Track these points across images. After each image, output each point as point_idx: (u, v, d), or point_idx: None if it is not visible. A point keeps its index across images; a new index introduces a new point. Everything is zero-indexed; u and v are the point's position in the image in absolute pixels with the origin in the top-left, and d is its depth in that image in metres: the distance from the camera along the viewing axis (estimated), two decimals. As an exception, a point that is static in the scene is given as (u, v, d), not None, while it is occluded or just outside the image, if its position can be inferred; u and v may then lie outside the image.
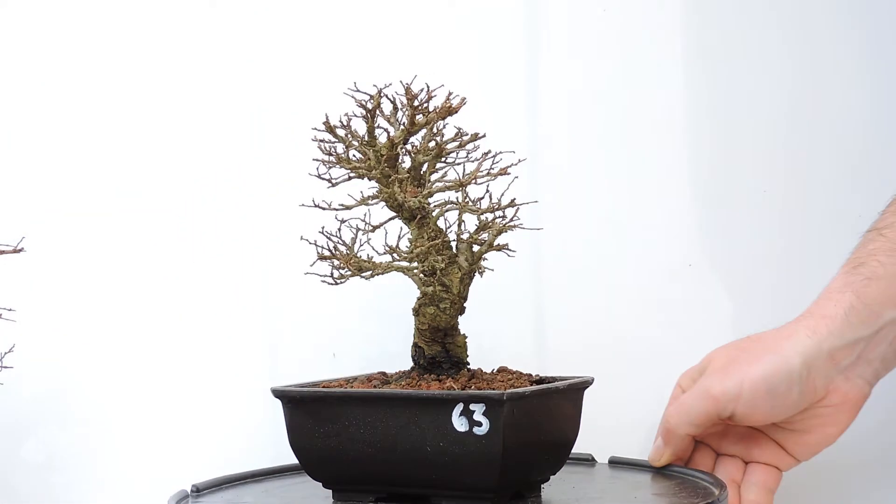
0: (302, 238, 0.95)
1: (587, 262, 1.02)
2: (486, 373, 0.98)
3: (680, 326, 1.21)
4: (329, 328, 1.21)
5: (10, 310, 0.93)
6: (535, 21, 1.25)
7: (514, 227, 0.95)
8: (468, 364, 0.98)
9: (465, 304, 0.97)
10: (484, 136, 0.94)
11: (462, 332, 0.97)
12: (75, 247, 1.18)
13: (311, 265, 0.95)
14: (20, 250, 0.92)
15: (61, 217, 1.18)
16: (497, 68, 1.23)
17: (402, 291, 1.08)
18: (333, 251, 0.96)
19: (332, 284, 0.96)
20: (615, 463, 1.12)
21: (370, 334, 1.21)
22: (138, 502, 1.16)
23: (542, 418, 0.92)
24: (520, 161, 0.94)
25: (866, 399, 1.06)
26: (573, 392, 0.96)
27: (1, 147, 1.19)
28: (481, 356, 1.02)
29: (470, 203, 0.95)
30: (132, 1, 1.21)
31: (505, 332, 1.22)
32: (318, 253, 0.95)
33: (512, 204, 0.94)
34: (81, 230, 1.19)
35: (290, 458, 1.11)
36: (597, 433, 1.08)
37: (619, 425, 1.19)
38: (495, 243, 0.95)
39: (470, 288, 0.97)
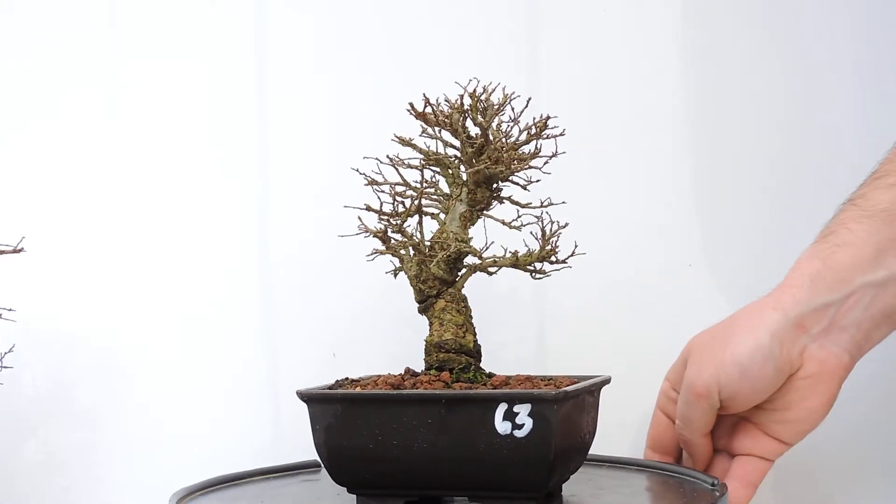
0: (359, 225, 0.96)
1: (587, 261, 1.02)
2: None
3: (680, 326, 1.21)
4: (329, 328, 1.21)
5: (10, 310, 0.93)
6: (535, 21, 1.25)
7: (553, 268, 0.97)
8: (433, 365, 0.97)
9: (421, 302, 0.98)
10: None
11: (429, 335, 0.97)
12: (75, 247, 1.18)
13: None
14: (20, 250, 0.92)
15: (61, 217, 1.18)
16: (497, 67, 1.23)
17: (401, 291, 1.08)
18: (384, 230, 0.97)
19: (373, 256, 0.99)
20: (614, 463, 1.11)
21: (370, 334, 1.21)
22: (138, 502, 1.16)
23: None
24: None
25: (846, 370, 1.03)
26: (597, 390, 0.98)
27: (1, 147, 1.19)
28: (482, 357, 1.02)
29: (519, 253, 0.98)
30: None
31: (505, 332, 1.22)
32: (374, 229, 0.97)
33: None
34: (81, 230, 1.19)
35: (290, 458, 1.11)
36: (596, 433, 1.07)
37: (618, 425, 1.19)
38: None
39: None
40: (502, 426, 0.87)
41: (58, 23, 1.19)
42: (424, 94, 0.95)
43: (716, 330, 1.06)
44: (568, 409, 0.89)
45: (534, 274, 0.97)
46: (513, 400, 0.87)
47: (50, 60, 1.19)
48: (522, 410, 0.86)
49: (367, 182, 0.97)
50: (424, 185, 0.98)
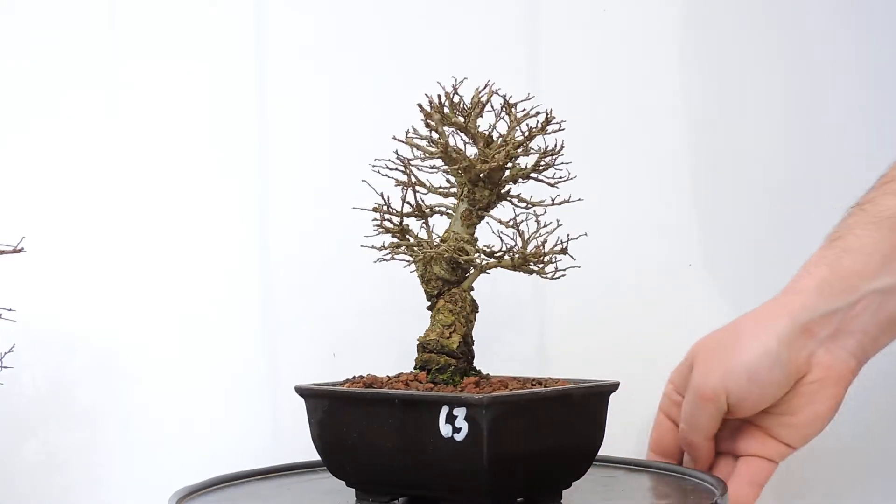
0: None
1: (587, 262, 1.02)
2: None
3: (680, 326, 1.21)
4: (329, 328, 1.21)
5: (10, 310, 0.93)
6: (535, 21, 1.25)
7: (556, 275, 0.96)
8: (417, 365, 0.97)
9: (428, 301, 0.98)
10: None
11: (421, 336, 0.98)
12: (75, 247, 1.18)
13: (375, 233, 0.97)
14: (20, 250, 0.92)
15: (61, 217, 1.18)
16: (497, 67, 1.22)
17: (401, 291, 1.08)
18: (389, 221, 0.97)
19: (385, 260, 0.98)
20: (614, 463, 1.11)
21: (371, 334, 1.21)
22: (138, 502, 1.16)
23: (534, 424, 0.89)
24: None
25: (853, 374, 1.04)
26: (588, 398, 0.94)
27: (1, 147, 1.19)
28: (481, 357, 1.02)
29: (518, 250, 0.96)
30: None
31: (505, 333, 1.22)
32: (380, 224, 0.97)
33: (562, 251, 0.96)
34: (81, 230, 1.19)
35: (290, 458, 1.11)
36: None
37: (619, 425, 1.19)
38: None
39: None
40: (445, 429, 0.86)
41: (58, 23, 1.19)
42: (427, 94, 0.95)
43: (722, 334, 1.06)
44: (507, 415, 0.86)
45: (541, 274, 0.96)
46: (451, 403, 0.86)
47: (50, 60, 1.19)
48: (460, 414, 0.86)
49: (396, 183, 0.97)
50: (428, 183, 0.98)
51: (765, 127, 1.27)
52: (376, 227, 0.97)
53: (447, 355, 0.95)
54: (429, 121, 0.95)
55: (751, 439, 1.06)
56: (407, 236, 0.98)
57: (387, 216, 0.97)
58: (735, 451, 1.08)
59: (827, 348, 1.02)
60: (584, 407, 0.92)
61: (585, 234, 0.96)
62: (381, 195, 0.97)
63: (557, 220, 0.96)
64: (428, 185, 0.97)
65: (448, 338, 0.95)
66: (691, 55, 1.26)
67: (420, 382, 0.93)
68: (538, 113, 0.95)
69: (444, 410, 0.86)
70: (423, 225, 0.98)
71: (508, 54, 1.25)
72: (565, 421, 0.90)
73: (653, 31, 1.26)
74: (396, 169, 0.97)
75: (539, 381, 0.95)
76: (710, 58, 1.27)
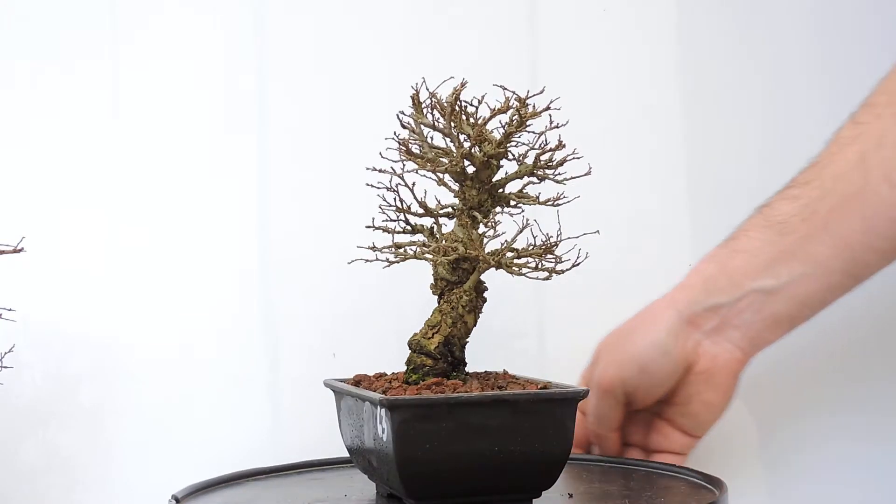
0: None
1: (586, 262, 1.02)
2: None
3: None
4: (329, 328, 1.21)
5: (11, 310, 0.93)
6: (536, 20, 1.25)
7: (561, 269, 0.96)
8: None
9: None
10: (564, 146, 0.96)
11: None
12: (75, 247, 1.18)
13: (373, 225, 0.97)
14: (20, 250, 0.92)
15: (61, 217, 1.18)
16: (496, 67, 1.23)
17: (403, 291, 1.08)
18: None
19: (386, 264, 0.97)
20: (613, 463, 1.11)
21: (370, 334, 1.21)
22: (138, 502, 1.16)
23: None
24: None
25: (740, 364, 1.10)
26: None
27: (1, 147, 1.19)
28: (481, 358, 1.02)
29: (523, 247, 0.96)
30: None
31: (504, 333, 1.22)
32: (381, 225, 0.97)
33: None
34: (81, 230, 1.19)
35: (290, 458, 1.11)
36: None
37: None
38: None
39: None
40: (379, 427, 0.88)
41: (58, 23, 1.19)
42: (412, 97, 0.95)
43: (620, 330, 1.13)
44: (416, 419, 0.85)
45: (523, 274, 0.96)
46: (373, 403, 0.87)
47: (50, 60, 1.19)
48: (384, 415, 0.86)
49: (391, 189, 0.96)
50: (438, 181, 0.97)
51: (764, 126, 1.26)
52: (380, 229, 0.97)
53: (425, 355, 0.94)
54: (409, 123, 0.95)
55: (657, 434, 1.13)
56: (417, 236, 0.97)
57: (390, 220, 0.97)
58: (644, 445, 1.15)
59: (713, 340, 1.10)
60: (529, 414, 0.87)
61: (585, 234, 0.96)
62: (383, 197, 0.97)
63: (558, 222, 0.95)
64: (439, 181, 0.97)
65: (430, 338, 0.94)
66: (691, 55, 1.26)
67: (397, 381, 0.93)
68: (524, 114, 0.95)
69: (379, 409, 0.87)
70: (434, 224, 0.98)
71: (508, 53, 1.25)
72: (502, 428, 0.87)
73: (652, 31, 1.26)
74: (392, 172, 0.97)
75: (500, 385, 0.92)
76: (709, 57, 1.27)
